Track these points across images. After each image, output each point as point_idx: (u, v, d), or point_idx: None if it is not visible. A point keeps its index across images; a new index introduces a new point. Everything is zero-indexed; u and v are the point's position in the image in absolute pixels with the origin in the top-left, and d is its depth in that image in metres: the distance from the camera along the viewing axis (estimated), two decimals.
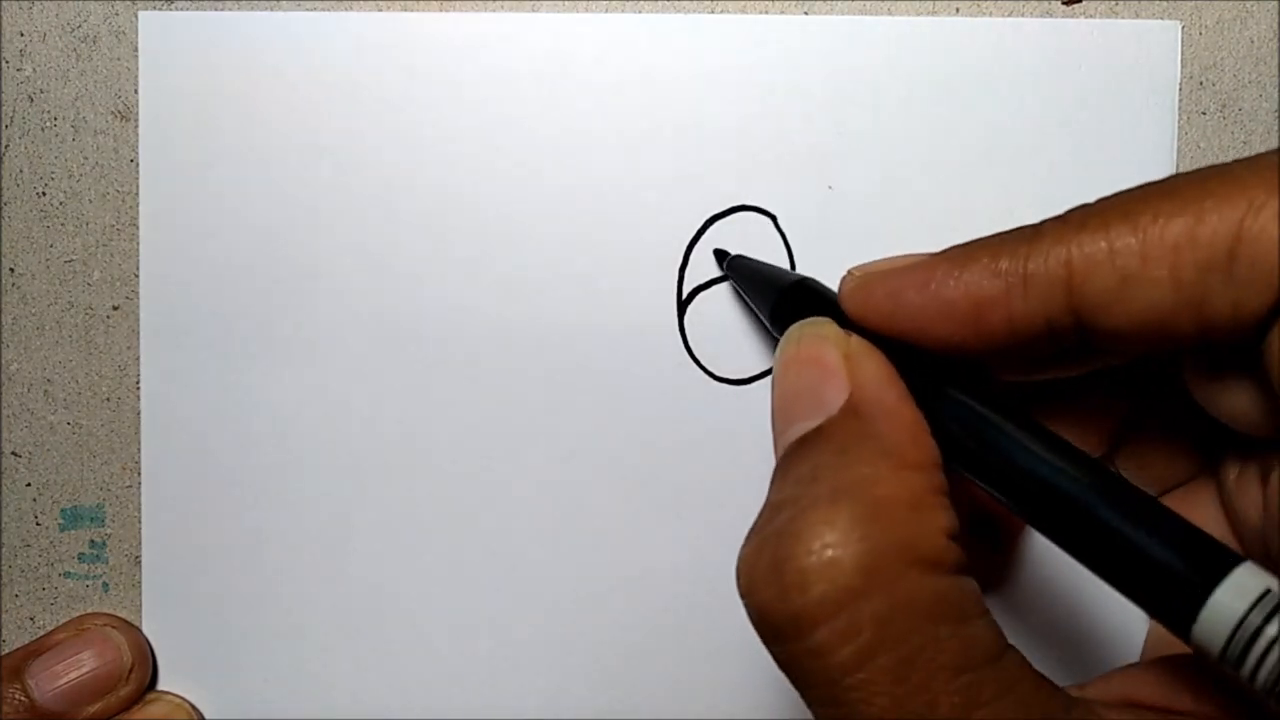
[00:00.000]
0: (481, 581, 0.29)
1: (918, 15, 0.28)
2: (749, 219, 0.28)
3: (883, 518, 0.16)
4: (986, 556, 0.26)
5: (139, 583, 0.29)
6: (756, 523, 0.18)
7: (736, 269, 0.27)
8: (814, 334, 0.20)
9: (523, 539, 0.29)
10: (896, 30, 0.28)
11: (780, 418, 0.20)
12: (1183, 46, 0.28)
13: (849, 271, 0.20)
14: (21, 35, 0.28)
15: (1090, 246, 0.17)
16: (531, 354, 0.28)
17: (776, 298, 0.24)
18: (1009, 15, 0.28)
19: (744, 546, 0.18)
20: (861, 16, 0.28)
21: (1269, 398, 0.18)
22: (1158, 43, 0.28)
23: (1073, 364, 0.20)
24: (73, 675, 0.27)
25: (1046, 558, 0.28)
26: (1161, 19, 0.28)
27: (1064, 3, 0.28)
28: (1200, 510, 0.21)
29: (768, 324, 0.25)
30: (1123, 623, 0.28)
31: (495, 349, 0.28)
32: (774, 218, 0.28)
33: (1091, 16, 0.28)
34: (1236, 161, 0.17)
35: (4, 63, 0.28)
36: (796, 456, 0.18)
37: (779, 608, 0.16)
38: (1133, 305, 0.17)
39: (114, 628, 0.28)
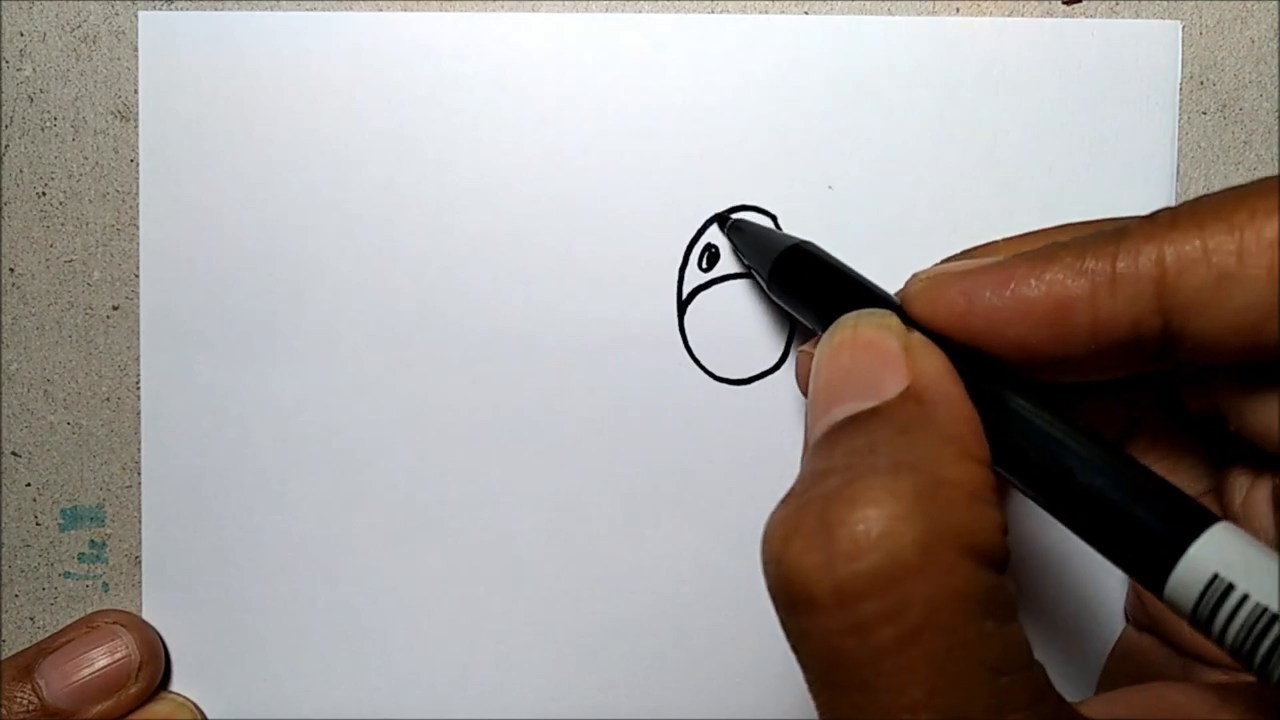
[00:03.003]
0: (482, 580, 0.29)
1: (918, 15, 0.28)
2: (749, 219, 0.28)
3: (945, 499, 0.16)
4: None
5: (139, 583, 0.29)
6: (795, 488, 0.17)
7: (737, 231, 0.27)
8: (874, 322, 0.19)
9: (523, 539, 0.29)
10: (896, 30, 0.28)
11: (825, 395, 0.18)
12: (1183, 46, 0.28)
13: (914, 275, 0.20)
14: (21, 35, 0.28)
15: (1184, 244, 0.16)
16: (531, 354, 0.28)
17: (774, 261, 0.25)
18: (1009, 15, 0.28)
19: (778, 510, 0.17)
20: (861, 16, 0.28)
21: None
22: (1158, 43, 0.28)
23: (1126, 367, 0.19)
24: (83, 673, 0.27)
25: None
26: (1161, 19, 0.28)
27: (1064, 2, 0.28)
28: None
29: (765, 286, 0.25)
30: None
31: (495, 349, 0.28)
32: (774, 218, 0.28)
33: (1091, 16, 0.28)
34: None
35: (4, 62, 0.28)
36: (847, 431, 0.17)
37: (821, 575, 0.15)
38: (1228, 305, 0.16)
39: (123, 625, 0.28)
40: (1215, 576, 0.15)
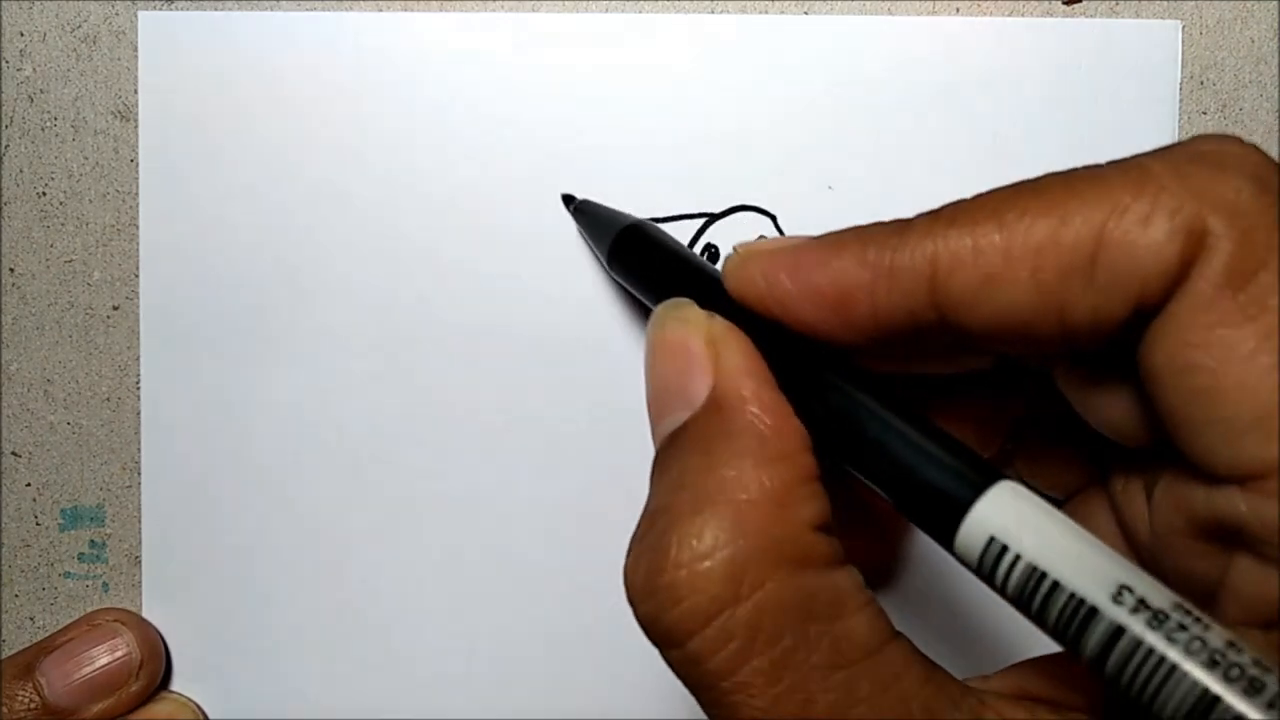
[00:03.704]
0: (482, 580, 0.29)
1: (918, 15, 0.28)
2: (749, 219, 0.28)
3: (746, 522, 0.17)
4: (870, 544, 0.26)
5: (139, 583, 0.29)
6: (636, 530, 0.18)
7: (581, 213, 0.28)
8: (677, 317, 0.20)
9: (522, 539, 0.29)
10: (896, 30, 0.28)
11: (653, 411, 0.20)
12: (1183, 46, 0.28)
13: (734, 248, 0.20)
14: (22, 35, 0.28)
15: (956, 243, 0.17)
16: (531, 354, 0.28)
17: (613, 240, 0.25)
18: (1009, 15, 0.28)
19: (627, 556, 0.18)
20: (861, 16, 0.28)
21: (1144, 407, 0.17)
22: (1158, 43, 0.28)
23: (944, 359, 0.20)
24: (84, 671, 0.27)
25: None
26: (1162, 19, 0.28)
27: (1064, 2, 0.28)
28: (1094, 519, 0.21)
29: (606, 268, 0.26)
30: None
31: (495, 349, 0.28)
32: (774, 218, 0.28)
33: (1091, 16, 0.28)
34: (1109, 163, 0.17)
35: (4, 63, 0.29)
36: (667, 457, 0.18)
37: (657, 619, 0.17)
38: (994, 305, 0.17)
39: (124, 623, 0.28)
40: (992, 538, 0.16)
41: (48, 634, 0.29)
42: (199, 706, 0.29)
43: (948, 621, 0.28)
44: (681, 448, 0.18)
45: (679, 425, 0.18)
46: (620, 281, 0.26)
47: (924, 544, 0.28)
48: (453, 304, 0.28)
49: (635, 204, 0.28)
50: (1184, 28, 0.28)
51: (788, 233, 0.28)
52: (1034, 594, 0.16)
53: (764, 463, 0.17)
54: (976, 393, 0.22)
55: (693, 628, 0.16)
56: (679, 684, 0.30)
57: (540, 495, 0.29)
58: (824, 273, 0.18)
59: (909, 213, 0.28)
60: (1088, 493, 0.21)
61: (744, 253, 0.20)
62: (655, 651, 0.29)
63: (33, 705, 0.27)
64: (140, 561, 0.29)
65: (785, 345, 0.19)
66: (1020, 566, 0.16)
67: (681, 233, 0.28)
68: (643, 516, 0.18)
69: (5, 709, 0.26)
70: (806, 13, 0.28)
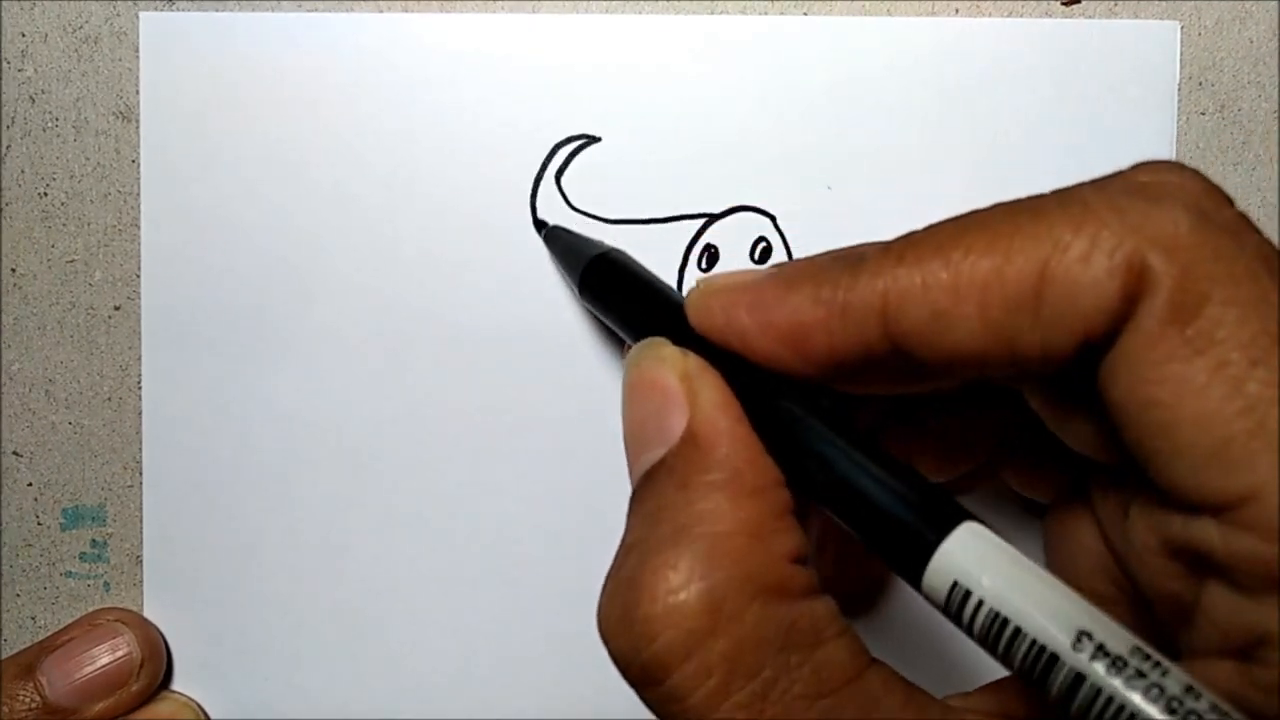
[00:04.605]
0: (484, 579, 0.29)
1: (918, 15, 0.28)
2: (749, 219, 0.28)
3: (722, 554, 0.16)
4: (858, 567, 0.26)
5: (140, 582, 0.29)
6: (612, 565, 0.18)
7: (552, 240, 0.28)
8: (652, 355, 0.20)
9: (523, 539, 0.29)
10: (896, 30, 0.28)
11: (630, 449, 0.20)
12: (1182, 47, 0.28)
13: (697, 281, 0.20)
14: (23, 36, 0.28)
15: (905, 280, 0.17)
16: (531, 354, 0.28)
17: (584, 269, 0.25)
18: (1009, 15, 0.28)
19: (602, 590, 0.18)
20: (861, 17, 0.28)
21: (1108, 429, 0.17)
22: (1157, 43, 0.28)
23: (913, 383, 0.20)
24: (85, 671, 0.27)
25: None
26: (1161, 19, 0.28)
27: (1064, 3, 0.28)
28: (1079, 527, 0.21)
29: (577, 296, 0.26)
30: None
31: (495, 349, 0.28)
32: (774, 218, 0.28)
33: (1091, 16, 0.28)
34: (1051, 194, 0.17)
35: (5, 63, 0.29)
36: (645, 492, 0.18)
37: (631, 658, 0.17)
38: (945, 340, 0.17)
39: (125, 623, 0.28)
40: (955, 582, 0.16)
41: (49, 633, 0.29)
42: (200, 706, 0.29)
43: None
44: (657, 483, 0.18)
45: (656, 461, 0.18)
46: (592, 311, 0.26)
47: None
48: (453, 305, 0.28)
49: (634, 204, 0.28)
50: (1183, 28, 0.28)
51: (787, 233, 0.28)
52: (998, 638, 0.16)
53: (739, 496, 0.17)
54: (960, 405, 0.22)
55: (670, 663, 0.16)
56: None
57: (540, 496, 0.29)
58: (780, 310, 0.18)
59: (909, 213, 0.28)
60: (1074, 501, 0.21)
61: (704, 288, 0.20)
62: None
63: (34, 705, 0.27)
64: (141, 561, 0.29)
65: (754, 380, 0.19)
66: (984, 611, 0.16)
67: (681, 233, 0.28)
68: (618, 552, 0.18)
69: (6, 708, 0.26)
70: (806, 14, 0.28)
